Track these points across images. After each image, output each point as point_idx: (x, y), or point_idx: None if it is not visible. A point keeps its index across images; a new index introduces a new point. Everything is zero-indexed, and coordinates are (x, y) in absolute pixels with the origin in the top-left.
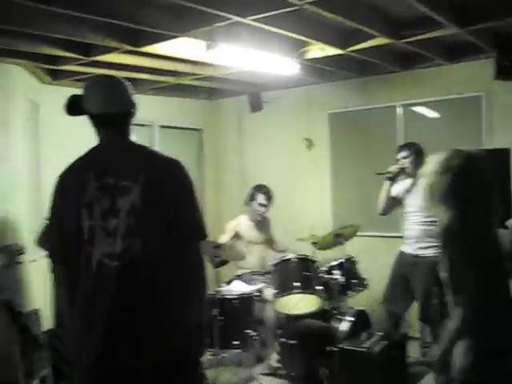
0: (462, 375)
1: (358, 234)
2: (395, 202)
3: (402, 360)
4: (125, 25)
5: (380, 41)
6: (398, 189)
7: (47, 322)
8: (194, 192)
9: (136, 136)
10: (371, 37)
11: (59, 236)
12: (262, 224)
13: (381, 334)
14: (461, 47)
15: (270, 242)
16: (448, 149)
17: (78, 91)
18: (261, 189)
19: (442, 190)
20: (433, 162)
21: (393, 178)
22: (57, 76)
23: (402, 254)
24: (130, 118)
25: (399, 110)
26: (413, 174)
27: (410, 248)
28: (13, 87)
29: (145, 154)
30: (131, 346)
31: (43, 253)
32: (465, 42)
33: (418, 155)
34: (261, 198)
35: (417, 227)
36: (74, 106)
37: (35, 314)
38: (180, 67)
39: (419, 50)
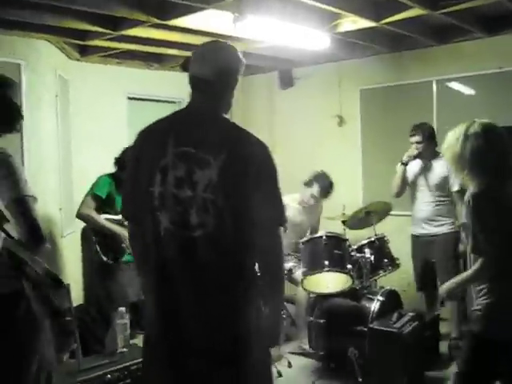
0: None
1: (389, 213)
2: (407, 184)
3: (433, 341)
4: None
5: (415, 12)
6: (410, 170)
7: (77, 297)
8: (275, 177)
9: (163, 112)
10: (406, 7)
11: (132, 196)
12: (310, 211)
13: (412, 314)
14: (501, 18)
15: (312, 229)
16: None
17: (106, 67)
18: (320, 179)
19: (465, 157)
20: (451, 135)
21: (407, 163)
22: (85, 52)
23: (415, 238)
24: (219, 86)
25: (434, 86)
26: (425, 156)
27: (422, 229)
28: (41, 63)
29: (230, 130)
30: (193, 318)
31: (73, 228)
32: (505, 13)
33: (430, 137)
34: (315, 190)
35: (429, 208)
36: (186, 64)
37: (66, 289)
38: None
39: (456, 21)
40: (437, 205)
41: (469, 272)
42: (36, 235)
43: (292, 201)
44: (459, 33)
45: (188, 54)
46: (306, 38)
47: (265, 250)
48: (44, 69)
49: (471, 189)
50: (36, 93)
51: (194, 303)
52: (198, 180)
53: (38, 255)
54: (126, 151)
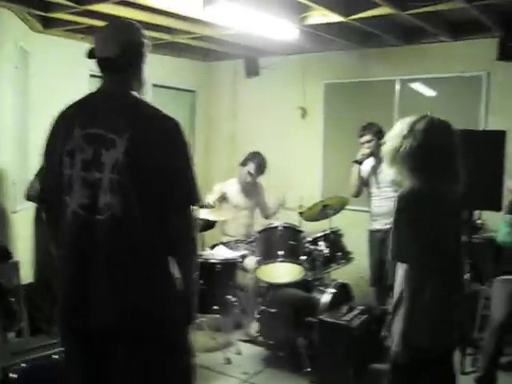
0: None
1: (346, 207)
2: (364, 183)
3: (380, 334)
4: None
5: (384, 10)
6: (364, 170)
7: (27, 274)
8: (187, 154)
9: None
10: (375, 6)
11: (46, 180)
12: (250, 190)
13: (361, 308)
14: (466, 24)
15: (261, 209)
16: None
17: (69, 42)
18: (254, 157)
19: (405, 152)
20: (398, 126)
21: (361, 162)
22: (48, 24)
23: (372, 233)
24: (125, 62)
25: (397, 85)
26: (377, 154)
27: (379, 224)
28: (1, 32)
29: (136, 107)
30: (103, 301)
31: (26, 204)
32: (471, 19)
33: (380, 136)
34: (251, 167)
35: (387, 203)
36: (92, 50)
37: (15, 266)
38: (176, 24)
39: (423, 23)
40: (393, 200)
41: (404, 305)
42: None
43: (230, 184)
44: (425, 35)
45: (155, 35)
46: (275, 27)
47: (176, 229)
48: (4, 38)
49: (403, 188)
50: None
51: (105, 285)
52: (105, 161)
53: None
54: None
